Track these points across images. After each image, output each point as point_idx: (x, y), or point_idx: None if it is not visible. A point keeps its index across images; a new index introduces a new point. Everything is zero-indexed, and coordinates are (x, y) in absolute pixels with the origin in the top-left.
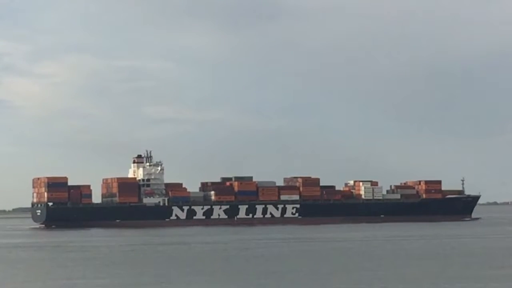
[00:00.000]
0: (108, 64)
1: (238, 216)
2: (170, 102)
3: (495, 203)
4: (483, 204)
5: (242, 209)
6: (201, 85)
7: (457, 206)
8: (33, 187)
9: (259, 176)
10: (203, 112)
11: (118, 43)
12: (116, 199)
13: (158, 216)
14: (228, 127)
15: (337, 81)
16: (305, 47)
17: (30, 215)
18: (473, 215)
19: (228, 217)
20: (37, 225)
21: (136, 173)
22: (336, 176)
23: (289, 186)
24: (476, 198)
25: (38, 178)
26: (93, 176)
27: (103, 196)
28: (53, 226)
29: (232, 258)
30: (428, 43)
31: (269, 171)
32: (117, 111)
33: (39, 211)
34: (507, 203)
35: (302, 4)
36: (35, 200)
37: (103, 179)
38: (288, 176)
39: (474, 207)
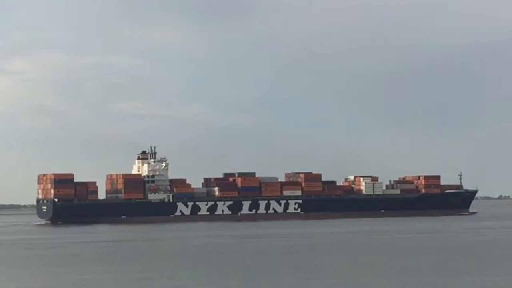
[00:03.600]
0: (79, 61)
1: (241, 212)
2: (141, 98)
3: (487, 198)
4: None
5: (246, 204)
6: (172, 80)
7: (455, 201)
8: (38, 183)
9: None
10: (175, 107)
11: (89, 39)
12: (122, 195)
13: (163, 212)
14: (201, 122)
15: (312, 75)
16: (278, 42)
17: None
18: (470, 209)
19: (231, 212)
20: (43, 222)
21: (141, 169)
22: (324, 171)
23: (292, 182)
24: (474, 192)
25: (44, 175)
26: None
27: (107, 192)
28: (59, 223)
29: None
30: (412, 34)
31: (250, 166)
32: (88, 107)
33: (45, 207)
34: (501, 197)
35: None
36: (40, 197)
37: (107, 175)
38: (290, 172)
39: (471, 201)
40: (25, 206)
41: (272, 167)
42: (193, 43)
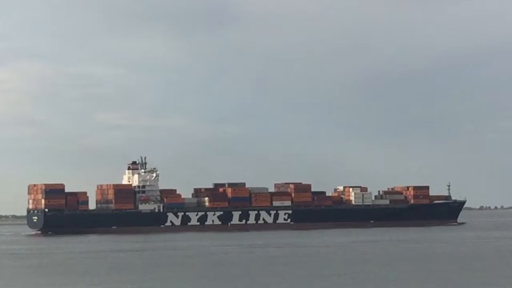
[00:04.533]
0: (59, 71)
1: (231, 222)
2: (123, 108)
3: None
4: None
5: (236, 215)
6: (153, 91)
7: (444, 211)
8: (29, 193)
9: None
10: (158, 118)
11: (70, 50)
12: (112, 205)
13: (153, 222)
14: (186, 133)
15: (291, 86)
16: (257, 52)
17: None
18: (458, 219)
19: (222, 223)
20: (33, 232)
21: (131, 179)
22: (313, 182)
23: (281, 192)
24: (462, 203)
25: (35, 185)
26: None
27: (97, 202)
28: (50, 233)
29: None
30: (391, 43)
31: (236, 176)
32: (69, 117)
33: (36, 217)
34: (482, 208)
35: (253, 10)
36: (31, 207)
37: (97, 185)
38: (279, 182)
39: (460, 212)
40: (14, 217)
41: (260, 178)
42: (175, 53)
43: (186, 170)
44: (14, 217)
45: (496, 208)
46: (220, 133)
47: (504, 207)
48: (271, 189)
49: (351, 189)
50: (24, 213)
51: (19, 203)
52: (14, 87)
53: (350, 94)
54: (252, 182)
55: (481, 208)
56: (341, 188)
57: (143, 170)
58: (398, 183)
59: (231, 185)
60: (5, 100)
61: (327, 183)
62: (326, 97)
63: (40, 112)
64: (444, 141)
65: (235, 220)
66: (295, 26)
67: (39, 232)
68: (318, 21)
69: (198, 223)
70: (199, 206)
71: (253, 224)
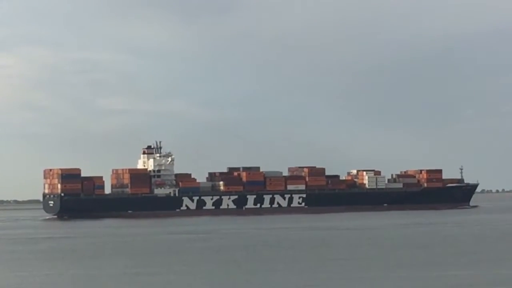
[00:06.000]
0: (62, 56)
1: (246, 206)
2: (124, 94)
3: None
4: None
5: (250, 199)
6: (157, 76)
7: (456, 195)
8: (45, 178)
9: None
10: (158, 103)
11: (72, 35)
12: (128, 190)
13: (169, 206)
14: (186, 118)
15: (298, 72)
16: (262, 38)
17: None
18: (471, 203)
19: (236, 207)
20: (49, 216)
21: (146, 164)
22: (327, 165)
23: (296, 176)
24: (474, 186)
25: (51, 170)
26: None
27: (112, 187)
28: (66, 217)
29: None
30: (395, 30)
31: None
32: (72, 103)
33: (52, 202)
34: (498, 191)
35: None
36: (47, 191)
37: (112, 170)
38: (293, 166)
39: (472, 195)
40: (28, 201)
41: (272, 163)
42: (178, 39)
43: (195, 155)
44: (25, 202)
45: (497, 191)
46: (226, 118)
47: (506, 190)
48: (285, 173)
49: (364, 172)
50: (35, 198)
51: (28, 188)
52: (17, 73)
53: (359, 79)
54: (264, 166)
55: (482, 191)
56: (354, 171)
57: (158, 155)
58: (409, 167)
59: (245, 169)
60: (8, 85)
61: (339, 167)
62: (334, 83)
63: (42, 97)
64: (454, 125)
65: (250, 204)
66: (299, 11)
67: (55, 216)
68: (323, 6)
69: (213, 207)
70: (214, 190)
71: (267, 208)
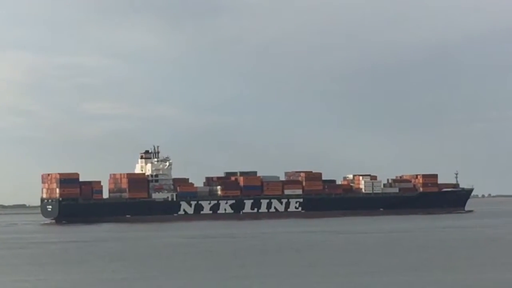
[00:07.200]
0: (48, 61)
1: (243, 211)
2: (113, 98)
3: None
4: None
5: (248, 203)
6: (145, 81)
7: (452, 199)
8: (43, 182)
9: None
10: (148, 108)
11: (58, 40)
12: (126, 194)
13: (167, 211)
14: (172, 123)
15: (285, 77)
16: (249, 43)
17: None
18: (466, 207)
19: (234, 211)
20: (47, 221)
21: (144, 168)
22: (323, 170)
23: (293, 181)
24: (470, 191)
25: (49, 174)
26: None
27: (110, 191)
28: (64, 222)
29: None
30: (381, 35)
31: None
32: (58, 107)
33: (50, 206)
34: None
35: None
36: (45, 196)
37: (110, 175)
38: (290, 171)
39: (467, 199)
40: (24, 206)
41: (270, 167)
42: (166, 43)
43: (191, 159)
44: (10, 206)
45: (483, 196)
46: (218, 123)
47: (492, 195)
48: (282, 178)
49: (361, 177)
50: (19, 203)
51: (21, 193)
52: (2, 78)
53: (356, 84)
54: (261, 171)
55: (477, 196)
56: (350, 176)
57: (156, 159)
58: (405, 172)
59: (243, 173)
60: None
61: (336, 172)
62: (324, 87)
63: (28, 102)
64: (449, 129)
65: (247, 208)
66: (288, 17)
67: (53, 221)
68: (310, 11)
69: (211, 212)
70: (211, 195)
71: (264, 212)
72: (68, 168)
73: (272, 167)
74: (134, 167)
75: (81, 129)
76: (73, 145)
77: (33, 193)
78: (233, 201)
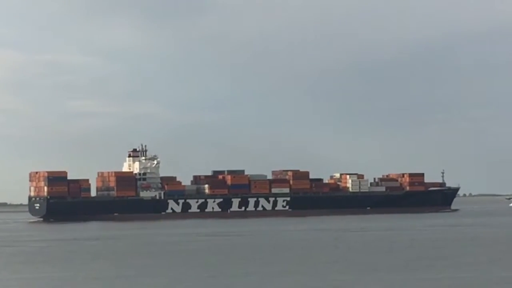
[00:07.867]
0: (30, 59)
1: (231, 209)
2: (96, 96)
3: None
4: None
5: (235, 202)
6: (126, 79)
7: (438, 198)
8: (31, 180)
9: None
10: (129, 106)
11: (41, 38)
12: (114, 192)
13: (154, 209)
14: (157, 121)
15: (272, 76)
16: (234, 41)
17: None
18: (452, 206)
19: (221, 210)
20: (35, 219)
21: (132, 167)
22: (310, 169)
23: (280, 180)
24: (456, 190)
25: (37, 172)
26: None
27: (98, 189)
28: (52, 220)
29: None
30: (365, 32)
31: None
32: (41, 105)
33: (38, 204)
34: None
35: None
36: (32, 194)
37: (98, 173)
38: (277, 169)
39: (453, 198)
40: (11, 205)
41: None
42: (150, 41)
43: (178, 158)
44: (11, 205)
45: (470, 195)
46: (204, 121)
47: (473, 194)
48: (269, 176)
49: (348, 176)
50: (19, 201)
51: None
52: None
53: (341, 83)
54: (248, 170)
55: (464, 195)
56: (337, 175)
57: (143, 158)
58: (392, 171)
59: (230, 172)
60: None
61: (323, 170)
62: (310, 85)
63: (11, 100)
64: (436, 128)
65: (235, 207)
66: (273, 14)
67: (41, 219)
68: (295, 9)
69: (198, 210)
70: (199, 193)
71: (252, 211)
72: (54, 167)
73: (259, 166)
74: (122, 166)
75: (67, 127)
76: (59, 143)
77: (18, 191)
78: (221, 200)
